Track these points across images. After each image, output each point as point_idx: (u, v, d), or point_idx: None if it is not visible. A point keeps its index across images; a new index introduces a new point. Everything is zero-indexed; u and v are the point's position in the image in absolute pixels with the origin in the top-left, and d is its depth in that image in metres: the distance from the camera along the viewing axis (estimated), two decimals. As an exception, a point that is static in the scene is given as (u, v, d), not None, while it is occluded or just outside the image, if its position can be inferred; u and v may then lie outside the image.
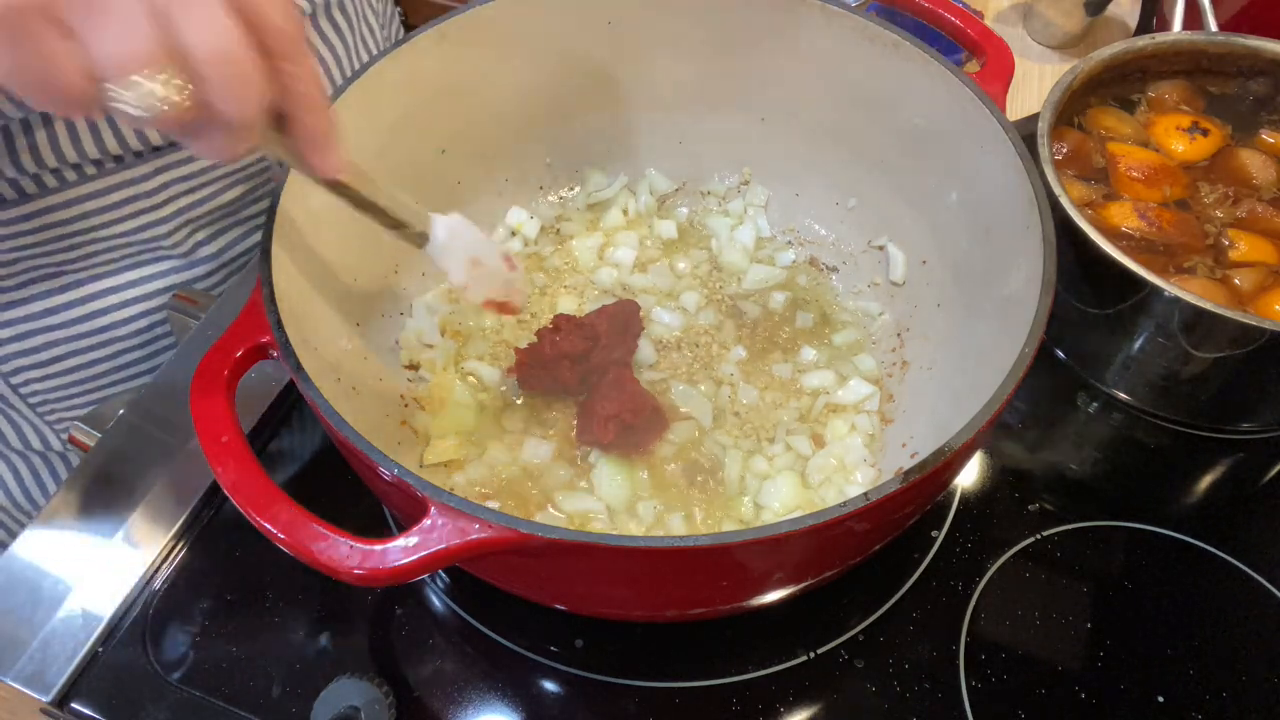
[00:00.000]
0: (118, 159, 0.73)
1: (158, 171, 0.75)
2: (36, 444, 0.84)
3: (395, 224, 0.55)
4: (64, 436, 0.85)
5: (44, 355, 0.79)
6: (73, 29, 0.38)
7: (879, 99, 0.72)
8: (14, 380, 0.80)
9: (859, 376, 0.71)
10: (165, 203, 0.77)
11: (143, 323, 0.81)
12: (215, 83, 0.40)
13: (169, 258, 0.80)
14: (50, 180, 0.72)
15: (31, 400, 0.81)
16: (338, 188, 0.51)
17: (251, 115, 0.41)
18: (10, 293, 0.76)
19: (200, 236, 0.81)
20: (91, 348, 0.80)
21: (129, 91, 0.39)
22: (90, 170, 0.72)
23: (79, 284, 0.77)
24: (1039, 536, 0.68)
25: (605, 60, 0.76)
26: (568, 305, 0.75)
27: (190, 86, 0.40)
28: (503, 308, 0.62)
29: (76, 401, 0.82)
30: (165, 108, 0.40)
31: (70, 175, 0.72)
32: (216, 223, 0.82)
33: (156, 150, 0.75)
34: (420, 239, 0.56)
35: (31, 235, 0.73)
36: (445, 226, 0.57)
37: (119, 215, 0.76)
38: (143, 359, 0.83)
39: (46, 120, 0.69)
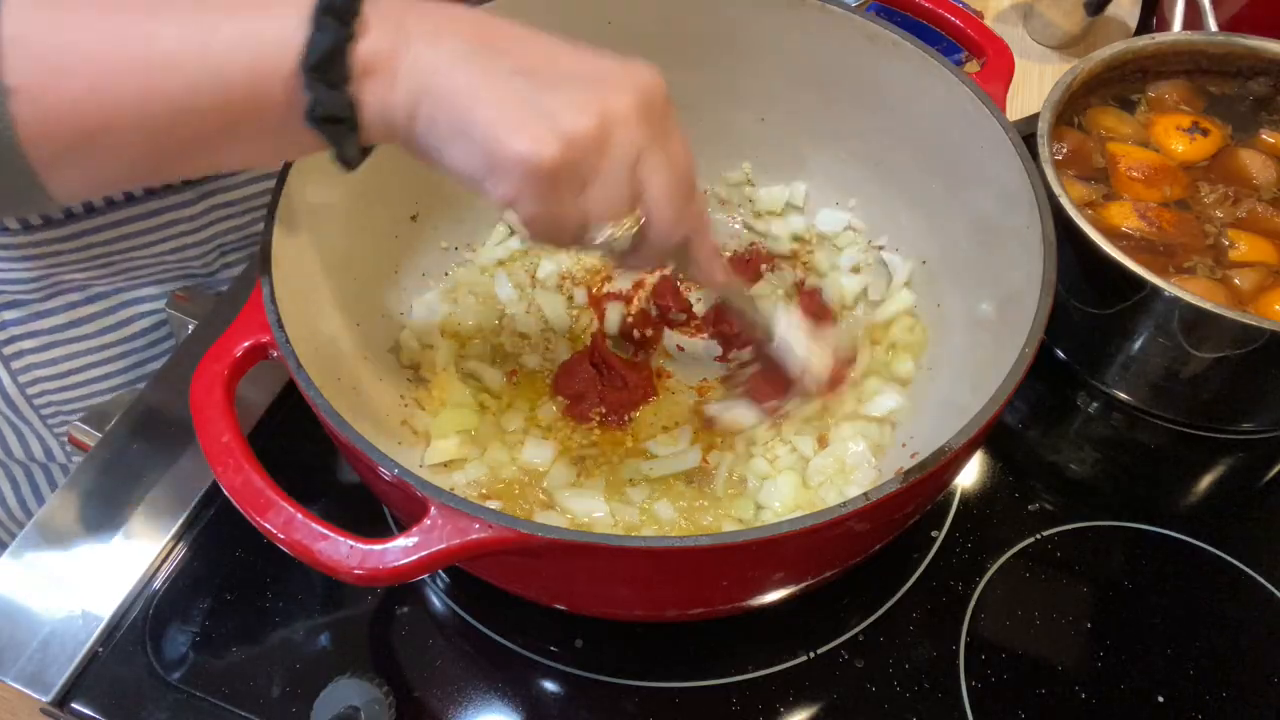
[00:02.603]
0: (168, 186, 0.74)
1: (202, 198, 0.77)
2: (39, 454, 0.84)
3: (752, 322, 0.63)
4: (67, 447, 0.85)
5: (62, 366, 0.80)
6: (582, 186, 0.47)
7: (879, 99, 0.72)
8: (30, 390, 0.80)
9: (894, 385, 0.69)
10: (205, 227, 0.79)
11: (160, 333, 0.82)
12: (659, 217, 0.50)
13: (194, 275, 0.82)
14: (99, 203, 0.73)
15: (43, 411, 0.82)
16: (722, 294, 0.61)
17: (673, 245, 0.52)
18: (35, 304, 0.77)
19: (230, 259, 0.84)
20: (109, 359, 0.81)
21: (601, 234, 0.49)
22: (139, 194, 0.74)
23: (103, 296, 0.79)
24: (1039, 536, 0.68)
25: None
26: (555, 306, 0.75)
27: (640, 227, 0.50)
28: (834, 380, 0.67)
29: (86, 407, 0.83)
30: (620, 244, 0.50)
31: (119, 198, 0.73)
32: (248, 247, 0.84)
33: (205, 179, 0.76)
34: (766, 334, 0.64)
35: (71, 255, 0.75)
36: (784, 322, 0.64)
37: (159, 238, 0.77)
38: (133, 383, 0.83)
39: None
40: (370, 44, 0.45)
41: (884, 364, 0.71)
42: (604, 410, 0.70)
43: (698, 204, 0.54)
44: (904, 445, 0.66)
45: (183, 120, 0.47)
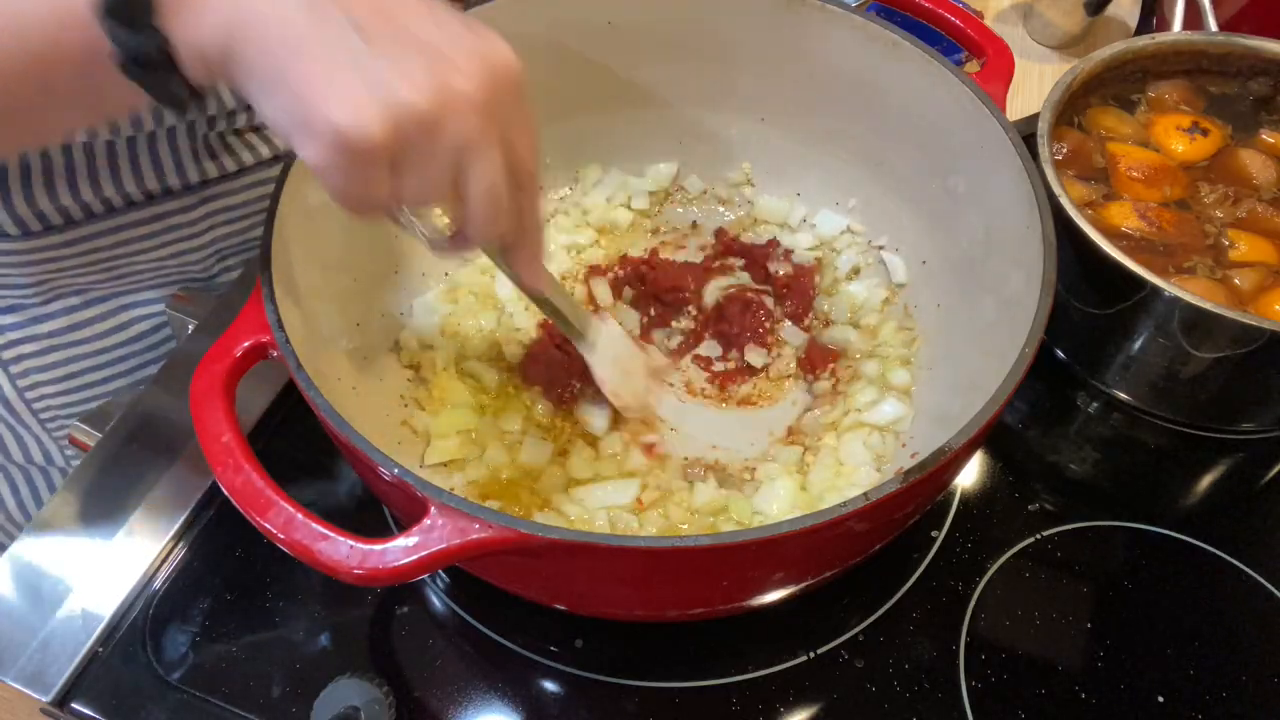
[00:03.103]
0: (168, 192, 0.74)
1: (202, 203, 0.77)
2: (39, 458, 0.84)
3: (568, 325, 0.64)
4: (67, 451, 0.85)
5: (61, 371, 0.80)
6: (398, 168, 0.43)
7: (879, 99, 0.72)
8: (29, 395, 0.80)
9: (893, 395, 0.69)
10: (204, 232, 0.79)
11: (157, 337, 0.82)
12: (476, 217, 0.46)
13: (194, 280, 0.82)
14: (99, 208, 0.72)
15: (42, 415, 0.82)
16: (537, 297, 0.60)
17: (492, 241, 0.50)
18: (34, 309, 0.76)
19: (229, 263, 0.83)
20: (108, 363, 0.81)
21: (417, 217, 0.47)
22: (138, 199, 0.73)
23: (102, 300, 0.78)
24: (1039, 536, 0.68)
25: (605, 60, 0.75)
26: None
27: (458, 217, 0.47)
28: (636, 411, 0.68)
29: (86, 410, 0.83)
30: (436, 232, 0.48)
31: (119, 204, 0.73)
32: (246, 252, 0.83)
33: (205, 184, 0.76)
34: (580, 340, 0.65)
35: (70, 260, 0.75)
36: (605, 334, 0.66)
37: (158, 243, 0.77)
38: (132, 386, 0.83)
39: (131, 148, 0.70)
40: None
41: (879, 375, 0.71)
42: (579, 385, 0.70)
43: (528, 204, 0.50)
44: (904, 445, 0.66)
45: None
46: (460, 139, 0.43)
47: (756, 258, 0.77)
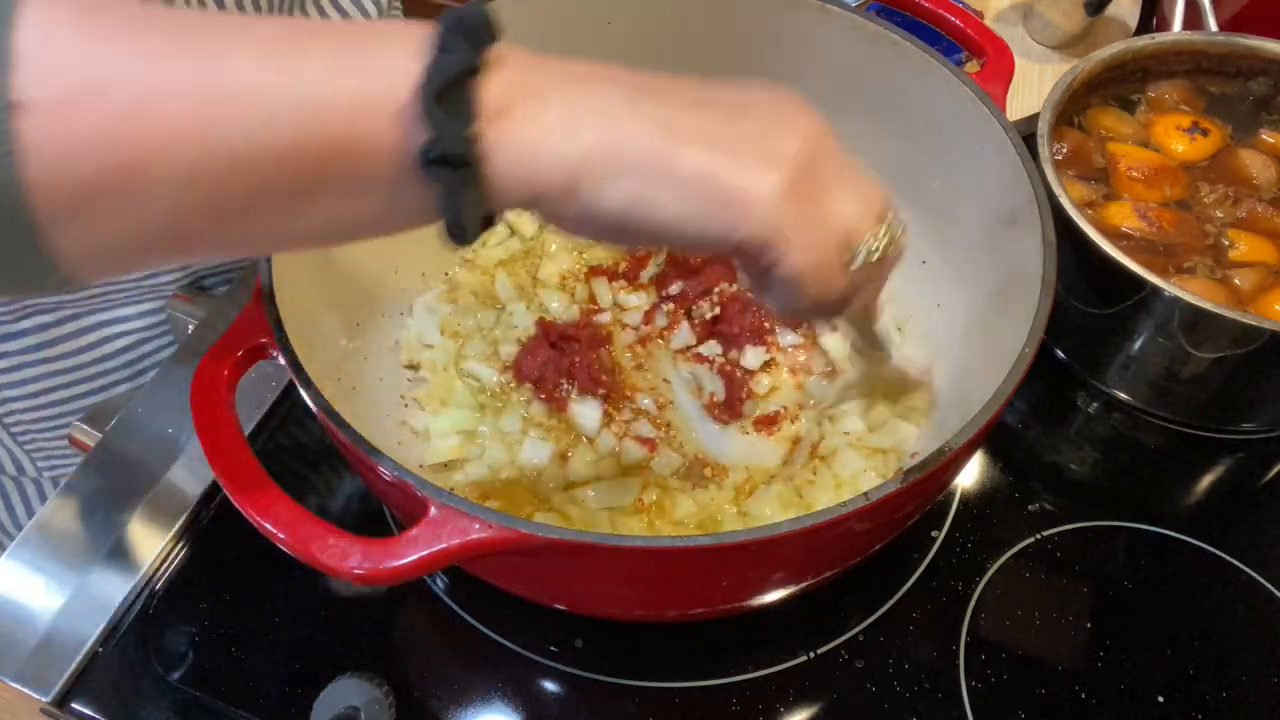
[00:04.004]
0: None
1: None
2: (10, 469, 0.84)
3: (875, 347, 0.63)
4: (40, 462, 0.84)
5: (33, 387, 0.79)
6: (826, 194, 0.42)
7: (879, 99, 0.72)
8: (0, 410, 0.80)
9: (908, 418, 0.68)
10: None
11: (133, 354, 0.81)
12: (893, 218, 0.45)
13: (169, 297, 0.81)
14: None
15: (14, 429, 0.81)
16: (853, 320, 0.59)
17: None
18: (6, 325, 0.75)
19: (206, 284, 0.82)
20: (81, 380, 0.80)
21: (869, 245, 0.44)
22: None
23: (75, 318, 0.77)
24: (1039, 536, 0.68)
25: (605, 60, 0.75)
26: (560, 302, 0.76)
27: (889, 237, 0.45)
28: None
29: (58, 426, 0.82)
30: (897, 247, 0.46)
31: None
32: (226, 272, 0.82)
33: None
34: (880, 350, 0.64)
35: None
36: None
37: None
38: (134, 391, 0.82)
39: None
40: (499, 79, 0.37)
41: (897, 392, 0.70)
42: (571, 381, 0.69)
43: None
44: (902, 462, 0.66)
45: (250, 166, 0.35)
46: (836, 161, 0.44)
47: None
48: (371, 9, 0.84)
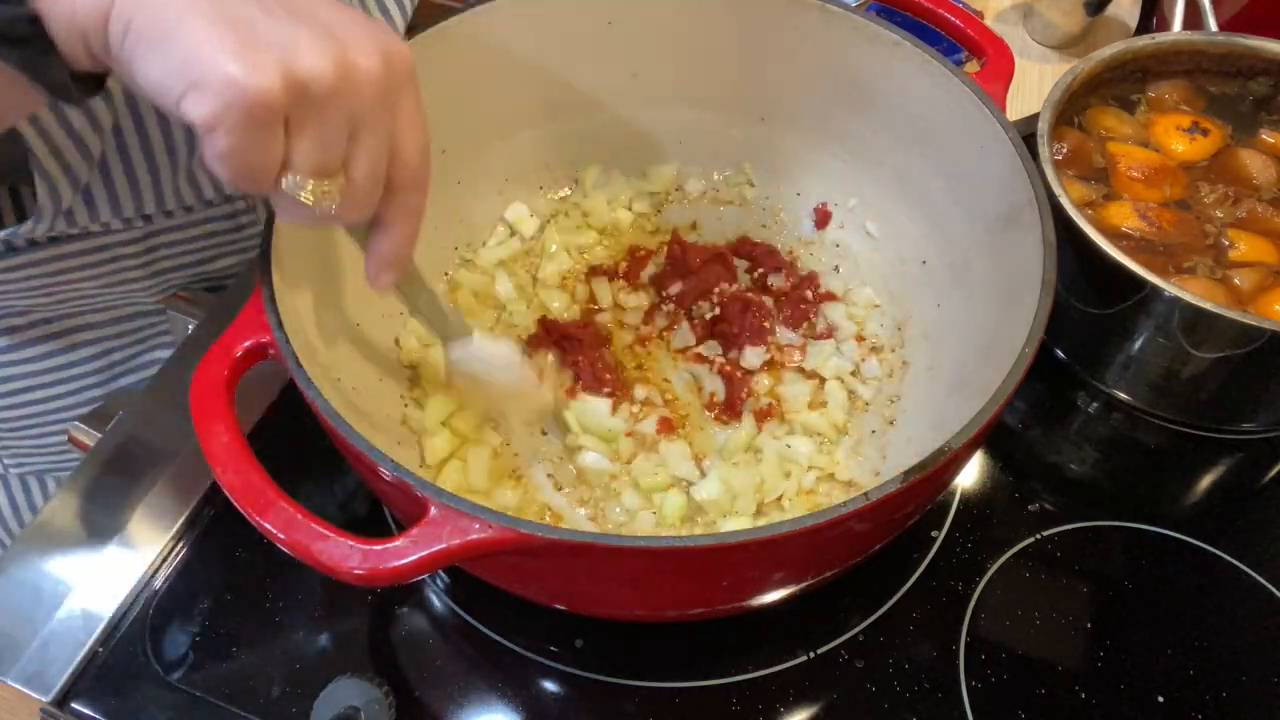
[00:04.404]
0: (110, 228, 0.73)
1: (146, 236, 0.75)
2: None
3: (431, 323, 0.62)
4: (7, 459, 0.84)
5: (2, 388, 0.79)
6: (290, 132, 0.42)
7: (879, 99, 0.72)
8: None
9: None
10: (149, 264, 0.77)
11: (102, 362, 0.81)
12: (353, 197, 0.46)
13: (144, 311, 0.81)
14: (41, 237, 0.71)
15: None
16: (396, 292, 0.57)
17: (356, 223, 0.50)
18: None
19: (183, 295, 0.82)
20: (50, 384, 0.80)
21: (302, 188, 0.45)
22: (79, 231, 0.72)
23: (46, 323, 0.77)
24: (1039, 536, 0.68)
25: (605, 60, 0.76)
26: (561, 301, 0.76)
27: (336, 196, 0.45)
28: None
29: (25, 432, 0.82)
30: (319, 206, 0.46)
31: (61, 235, 0.71)
32: (199, 284, 0.82)
33: (147, 218, 0.74)
34: (449, 339, 0.63)
35: (13, 285, 0.73)
36: (461, 349, 0.63)
37: (101, 273, 0.75)
38: (104, 396, 0.82)
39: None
40: None
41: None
42: (576, 379, 0.70)
43: (403, 201, 0.49)
44: (905, 445, 0.66)
45: None
46: (356, 111, 0.43)
47: (759, 261, 0.77)
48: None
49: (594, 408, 0.68)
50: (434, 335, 0.64)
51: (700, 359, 0.73)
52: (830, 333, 0.74)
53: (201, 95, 0.39)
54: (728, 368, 0.72)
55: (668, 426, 0.68)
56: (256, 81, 0.39)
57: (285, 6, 0.42)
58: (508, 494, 0.65)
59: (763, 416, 0.69)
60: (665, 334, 0.74)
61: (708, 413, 0.70)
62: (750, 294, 0.75)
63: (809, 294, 0.76)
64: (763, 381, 0.71)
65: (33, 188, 0.64)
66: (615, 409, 0.69)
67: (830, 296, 0.76)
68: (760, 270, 0.77)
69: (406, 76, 0.45)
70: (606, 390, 0.69)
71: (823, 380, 0.72)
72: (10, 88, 0.42)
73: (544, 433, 0.69)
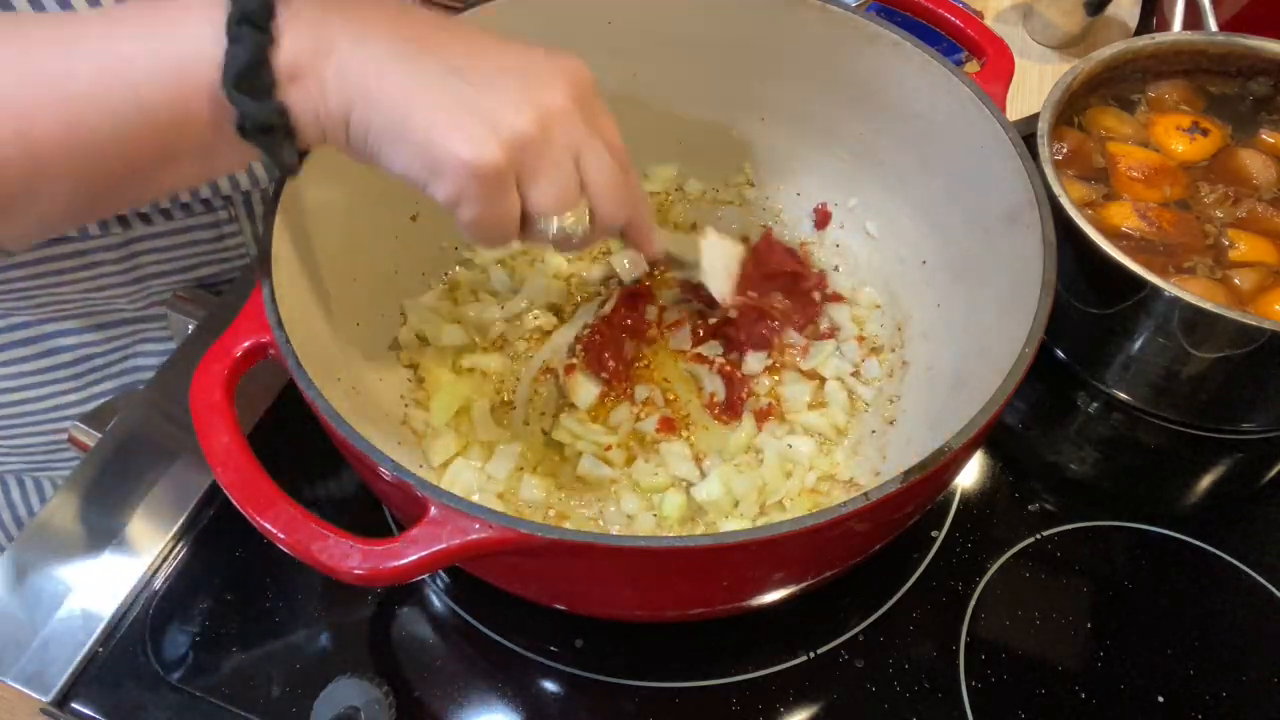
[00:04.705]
0: (88, 234, 0.73)
1: (127, 243, 0.75)
2: None
3: (683, 266, 0.69)
4: None
5: None
6: (523, 185, 0.48)
7: (879, 99, 0.72)
8: None
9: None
10: (129, 270, 0.77)
11: (80, 368, 0.81)
12: (604, 205, 0.51)
13: (124, 317, 0.81)
14: None
15: None
16: (666, 256, 0.66)
17: (621, 223, 0.54)
18: None
19: (162, 299, 0.82)
20: (27, 386, 0.80)
21: (552, 226, 0.50)
22: (60, 236, 0.72)
23: (25, 326, 0.77)
24: (1039, 536, 0.68)
25: (605, 60, 0.75)
26: (557, 292, 0.76)
27: (586, 212, 0.51)
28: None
29: (6, 428, 0.82)
30: (578, 230, 0.51)
31: (60, 234, 0.72)
32: (179, 288, 0.82)
33: (127, 225, 0.74)
34: (696, 270, 0.69)
35: None
36: (708, 251, 0.70)
37: (81, 277, 0.75)
38: (81, 400, 0.82)
39: None
40: (292, 49, 0.45)
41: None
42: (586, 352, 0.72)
43: (634, 184, 0.55)
44: (905, 444, 0.66)
45: (113, 153, 0.47)
46: (568, 141, 0.48)
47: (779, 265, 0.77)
48: None
49: (585, 390, 0.69)
50: (685, 271, 0.70)
51: (700, 359, 0.73)
52: (832, 333, 0.74)
53: (442, 180, 0.46)
54: (728, 368, 0.72)
55: (669, 426, 0.69)
56: (481, 156, 0.45)
57: (481, 69, 0.47)
58: (534, 489, 0.66)
59: (763, 416, 0.69)
60: (670, 330, 0.74)
61: (707, 412, 0.70)
62: (770, 304, 0.75)
63: (817, 295, 0.76)
64: (763, 382, 0.71)
65: None
66: (603, 399, 0.70)
67: (837, 297, 0.76)
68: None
69: (591, 86, 0.51)
70: (604, 375, 0.70)
71: (823, 380, 0.72)
72: (240, 156, 0.49)
73: (546, 432, 0.69)
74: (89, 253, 0.74)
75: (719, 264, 0.70)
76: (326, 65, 0.46)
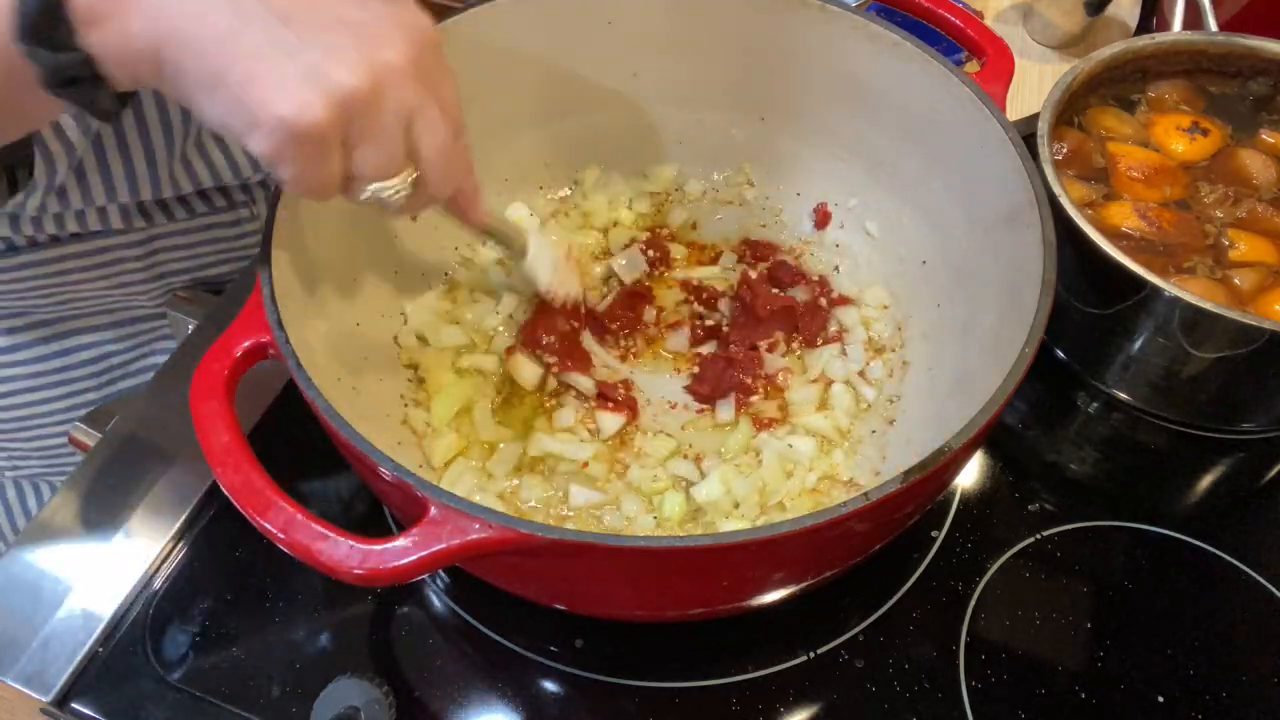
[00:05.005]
0: (114, 229, 0.73)
1: (148, 240, 0.75)
2: None
3: (504, 243, 0.67)
4: (1, 461, 0.84)
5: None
6: (351, 145, 0.45)
7: (879, 99, 0.72)
8: None
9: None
10: (149, 268, 0.77)
11: (100, 365, 0.81)
12: (434, 173, 0.49)
13: (143, 315, 0.81)
14: (42, 238, 0.71)
15: None
16: (483, 229, 0.63)
17: (451, 192, 0.51)
18: None
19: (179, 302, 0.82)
20: (45, 386, 0.80)
21: (375, 188, 0.48)
22: (83, 231, 0.72)
23: (45, 324, 0.77)
24: (1039, 536, 0.68)
25: (605, 60, 0.76)
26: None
27: (415, 177, 0.49)
28: (571, 298, 0.71)
29: (20, 434, 0.82)
30: (399, 198, 0.49)
31: (63, 235, 0.72)
32: (198, 287, 0.82)
33: (149, 220, 0.74)
34: (520, 253, 0.67)
35: (10, 285, 0.73)
36: (535, 244, 0.68)
37: (100, 275, 0.76)
38: (100, 400, 0.82)
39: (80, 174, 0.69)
40: None
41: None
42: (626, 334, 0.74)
43: (464, 151, 0.53)
44: (905, 444, 0.66)
45: None
46: (401, 105, 0.45)
47: (780, 278, 0.77)
48: None
49: (527, 370, 0.70)
50: (511, 253, 0.68)
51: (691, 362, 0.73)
52: (840, 336, 0.74)
53: (259, 136, 0.43)
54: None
55: (630, 411, 0.69)
56: (302, 113, 0.42)
57: (311, 18, 0.43)
58: (536, 487, 0.66)
59: (765, 424, 0.69)
60: (668, 331, 0.74)
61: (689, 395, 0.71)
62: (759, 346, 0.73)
63: (823, 302, 0.75)
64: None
65: (26, 169, 0.64)
66: (545, 382, 0.70)
67: (844, 300, 0.75)
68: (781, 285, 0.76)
69: (433, 46, 0.47)
70: (539, 353, 0.71)
71: (829, 383, 0.71)
72: (51, 107, 0.46)
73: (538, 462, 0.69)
74: (110, 249, 0.74)
75: (545, 254, 0.69)
76: (131, 3, 0.42)
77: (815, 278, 0.77)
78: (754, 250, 0.78)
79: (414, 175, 0.49)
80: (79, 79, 0.43)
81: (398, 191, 0.49)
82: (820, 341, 0.73)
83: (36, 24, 0.41)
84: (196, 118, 0.46)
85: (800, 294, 0.76)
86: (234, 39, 0.42)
